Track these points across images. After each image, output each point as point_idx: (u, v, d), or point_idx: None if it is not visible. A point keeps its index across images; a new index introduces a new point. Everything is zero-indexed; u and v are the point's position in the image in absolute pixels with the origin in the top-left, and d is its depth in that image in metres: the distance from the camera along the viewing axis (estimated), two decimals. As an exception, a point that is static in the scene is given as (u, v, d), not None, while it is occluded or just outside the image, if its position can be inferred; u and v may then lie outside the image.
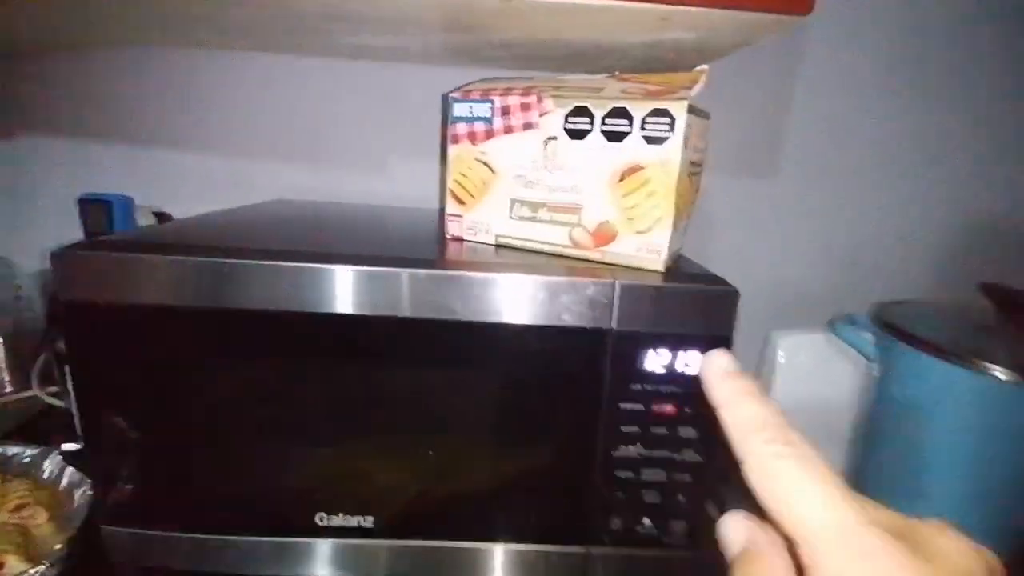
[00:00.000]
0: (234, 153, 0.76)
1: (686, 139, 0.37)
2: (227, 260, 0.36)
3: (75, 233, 0.77)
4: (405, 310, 0.37)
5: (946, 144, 0.75)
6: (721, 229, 0.76)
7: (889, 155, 0.75)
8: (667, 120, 0.37)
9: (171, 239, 0.43)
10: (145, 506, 0.41)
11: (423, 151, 0.75)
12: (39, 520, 0.45)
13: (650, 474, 0.40)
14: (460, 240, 0.47)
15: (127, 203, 0.70)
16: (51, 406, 0.67)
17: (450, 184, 0.46)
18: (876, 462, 0.58)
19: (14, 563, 0.40)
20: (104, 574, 0.43)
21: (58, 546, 0.41)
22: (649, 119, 0.37)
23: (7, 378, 0.69)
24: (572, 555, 0.42)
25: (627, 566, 0.42)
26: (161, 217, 0.77)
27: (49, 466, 0.51)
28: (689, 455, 0.40)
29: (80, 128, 0.77)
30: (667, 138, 0.37)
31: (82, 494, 0.47)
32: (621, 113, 0.38)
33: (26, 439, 0.56)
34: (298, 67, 0.72)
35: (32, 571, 0.39)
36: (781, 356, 0.71)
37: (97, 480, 0.41)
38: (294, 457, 0.40)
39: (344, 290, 0.37)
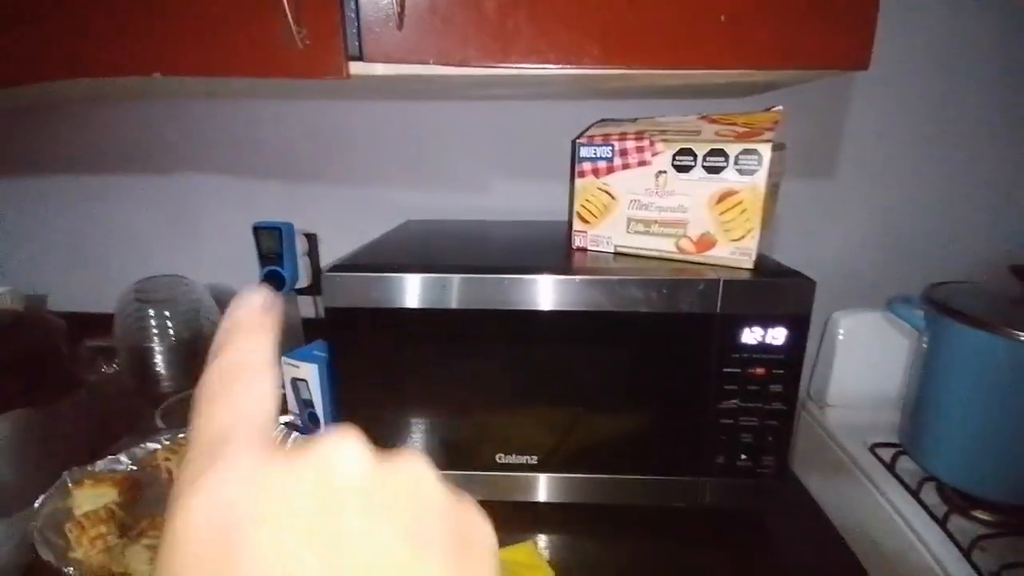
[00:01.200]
0: (365, 183, 0.93)
1: (769, 170, 0.50)
2: (450, 275, 0.51)
3: (237, 252, 0.96)
4: (570, 305, 0.51)
5: (987, 145, 0.84)
6: (790, 224, 0.88)
7: (937, 155, 0.85)
8: (755, 157, 0.50)
9: (386, 259, 0.59)
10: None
11: (520, 173, 0.89)
12: None
13: (746, 421, 0.54)
14: (585, 250, 0.61)
15: (291, 229, 0.88)
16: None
17: (577, 208, 0.60)
18: (928, 422, 0.69)
19: None
20: None
21: None
22: (741, 156, 0.50)
23: (180, 377, 0.87)
24: (687, 483, 0.56)
25: (728, 490, 0.56)
26: (310, 237, 0.94)
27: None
28: (776, 406, 0.53)
29: (238, 168, 0.95)
30: (756, 171, 0.50)
31: None
32: (719, 152, 0.51)
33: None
34: (411, 109, 0.88)
35: None
36: (841, 333, 0.82)
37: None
38: (483, 415, 0.56)
39: (523, 294, 0.51)
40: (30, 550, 0.50)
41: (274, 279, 0.87)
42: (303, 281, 0.93)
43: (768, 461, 0.55)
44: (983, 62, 0.81)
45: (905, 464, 0.72)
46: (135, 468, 0.60)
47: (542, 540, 0.53)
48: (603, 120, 0.64)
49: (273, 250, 0.87)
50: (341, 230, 0.96)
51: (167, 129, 0.93)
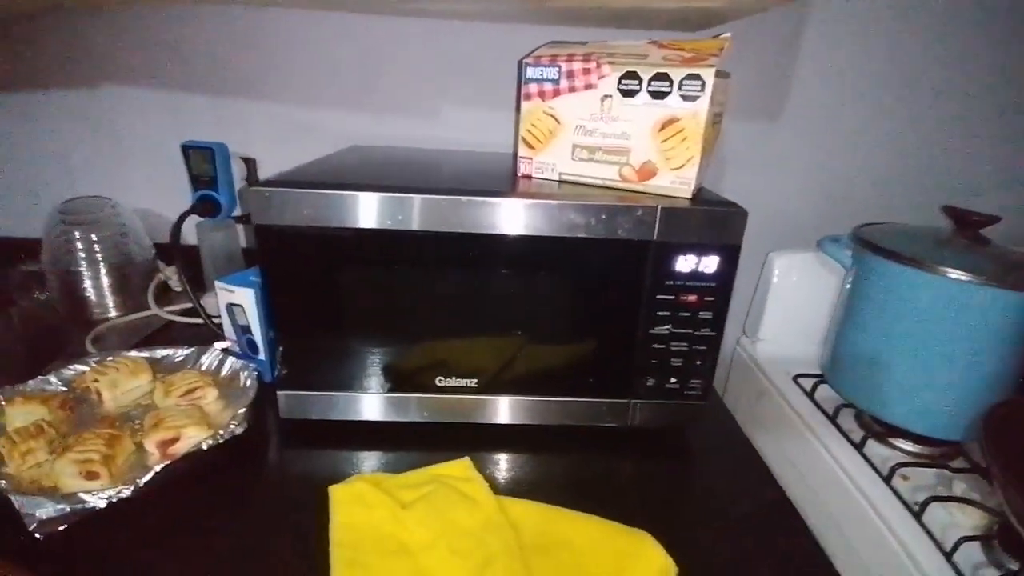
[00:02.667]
0: (308, 103, 0.88)
1: (712, 97, 0.50)
2: (388, 194, 0.50)
3: (167, 174, 0.91)
4: (506, 228, 0.51)
5: (930, 97, 0.86)
6: (731, 165, 0.89)
7: (876, 103, 0.86)
8: (699, 83, 0.49)
9: (327, 177, 0.55)
10: (313, 375, 0.57)
11: (472, 101, 0.86)
12: (209, 399, 0.59)
13: (676, 346, 0.56)
14: (530, 177, 0.60)
15: (225, 149, 0.82)
16: (170, 322, 0.82)
17: (522, 132, 0.59)
18: (848, 352, 0.74)
19: (194, 432, 0.51)
20: (262, 438, 0.58)
21: (230, 418, 0.53)
22: (685, 82, 0.50)
23: (111, 303, 0.84)
24: (618, 404, 0.59)
25: (657, 411, 0.59)
26: (248, 162, 0.89)
27: (207, 359, 0.66)
28: (705, 332, 0.56)
29: (165, 80, 0.87)
30: (698, 97, 0.50)
31: (247, 376, 0.61)
32: (663, 77, 0.50)
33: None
34: (363, 24, 0.82)
35: (206, 437, 0.49)
36: (776, 273, 0.86)
37: (281, 357, 0.56)
38: (422, 338, 0.56)
39: (460, 215, 0.51)
40: None
41: (208, 204, 0.83)
42: (241, 208, 0.89)
43: (695, 384, 0.58)
44: (933, 17, 0.81)
45: (825, 393, 0.77)
46: (64, 389, 0.59)
47: (478, 459, 0.55)
48: (553, 42, 0.61)
49: (206, 173, 0.82)
50: (281, 155, 0.90)
51: (90, 39, 0.84)
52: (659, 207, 0.51)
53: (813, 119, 0.87)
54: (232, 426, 0.51)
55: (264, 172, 0.91)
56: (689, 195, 0.54)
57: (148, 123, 0.90)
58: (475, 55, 0.84)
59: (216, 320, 0.73)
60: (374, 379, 0.57)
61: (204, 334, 0.75)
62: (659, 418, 0.59)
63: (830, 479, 0.66)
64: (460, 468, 0.52)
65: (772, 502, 0.55)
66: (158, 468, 0.45)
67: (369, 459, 0.56)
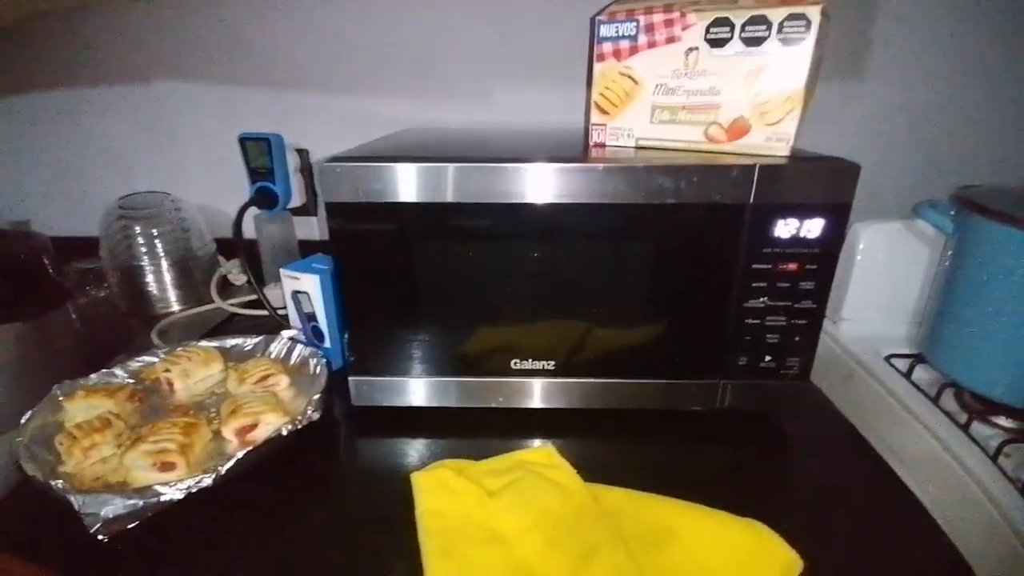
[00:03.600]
0: (359, 92, 0.86)
1: (817, 39, 0.45)
2: (462, 164, 0.47)
3: (222, 169, 0.90)
4: (587, 197, 0.47)
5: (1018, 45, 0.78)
6: (813, 127, 0.82)
7: (968, 58, 0.79)
8: (803, 23, 0.44)
9: (394, 152, 0.53)
10: (384, 361, 0.54)
11: (524, 80, 0.83)
12: (282, 386, 0.58)
13: (774, 320, 0.51)
14: (603, 146, 0.56)
15: (281, 140, 0.82)
16: (233, 314, 0.82)
17: (595, 97, 0.55)
18: (951, 327, 0.67)
19: (272, 418, 0.49)
20: (336, 425, 0.56)
21: (306, 403, 0.51)
22: (787, 23, 0.45)
23: (173, 297, 0.84)
24: (707, 385, 0.54)
25: (750, 392, 0.54)
26: (301, 153, 0.88)
27: (276, 347, 0.64)
28: (806, 304, 0.51)
29: (218, 74, 0.87)
30: (803, 39, 0.45)
31: (317, 363, 0.59)
32: (760, 20, 0.46)
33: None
34: (412, 7, 0.80)
35: (284, 423, 0.48)
36: (862, 246, 0.79)
37: (351, 343, 0.54)
38: (496, 318, 0.53)
39: (538, 184, 0.47)
40: (18, 470, 0.46)
41: (265, 196, 0.82)
42: (296, 200, 0.88)
43: (792, 362, 0.53)
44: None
45: (921, 374, 0.71)
46: (132, 381, 0.58)
47: (560, 444, 0.51)
48: (622, -1, 0.57)
49: (262, 164, 0.82)
50: (334, 145, 0.89)
51: (142, 35, 0.85)
52: (757, 165, 0.46)
53: (898, 74, 0.80)
54: (310, 412, 0.49)
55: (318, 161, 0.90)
56: (787, 153, 0.49)
57: (202, 117, 0.90)
58: (526, 31, 0.80)
59: (280, 312, 0.72)
60: (447, 364, 0.55)
61: (268, 325, 0.74)
62: (752, 400, 0.55)
63: (935, 461, 0.60)
64: (544, 455, 0.49)
65: (884, 487, 0.49)
66: (240, 455, 0.43)
67: (444, 446, 0.53)
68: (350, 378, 0.56)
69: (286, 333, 0.66)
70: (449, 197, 0.48)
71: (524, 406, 0.56)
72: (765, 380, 0.54)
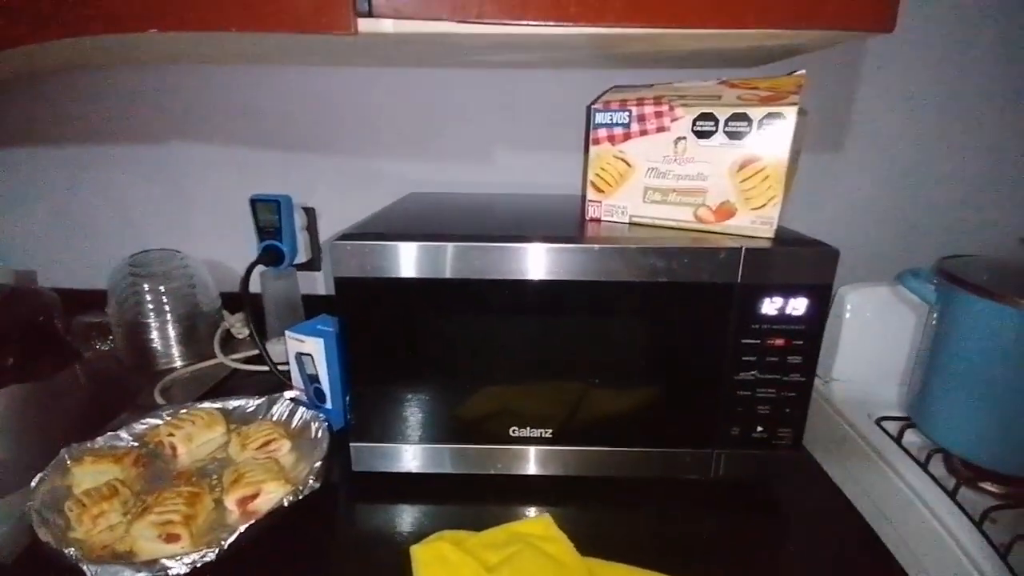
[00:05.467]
0: (365, 154, 0.90)
1: (794, 134, 0.48)
2: (464, 244, 0.50)
3: (229, 226, 0.93)
4: (583, 274, 0.50)
5: (997, 117, 0.83)
6: (796, 196, 0.86)
7: (947, 127, 0.84)
8: (781, 122, 0.48)
9: (398, 228, 0.56)
10: (385, 427, 0.56)
11: (526, 145, 0.87)
12: (284, 451, 0.58)
13: (763, 392, 0.53)
14: (598, 221, 0.59)
15: (290, 201, 0.85)
16: (235, 370, 0.83)
17: (591, 177, 0.58)
18: (936, 393, 0.69)
19: (273, 487, 0.50)
20: (335, 491, 0.56)
21: (307, 471, 0.52)
22: (766, 120, 0.49)
23: (176, 353, 0.85)
24: (701, 455, 0.56)
25: (743, 462, 0.56)
26: (308, 211, 0.92)
27: (278, 409, 0.65)
28: (795, 377, 0.53)
29: (231, 136, 0.91)
30: (781, 136, 0.49)
31: (318, 427, 0.60)
32: (741, 117, 0.49)
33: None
34: (420, 75, 0.85)
35: (286, 494, 0.48)
36: (848, 309, 0.82)
37: (355, 406, 0.55)
38: (496, 387, 0.55)
39: (537, 262, 0.50)
40: (28, 532, 0.48)
41: (272, 254, 0.85)
42: (301, 256, 0.91)
43: (784, 433, 0.55)
44: (1001, 34, 0.79)
45: (912, 437, 0.72)
46: (136, 444, 0.59)
47: (557, 513, 0.52)
48: (617, 87, 0.62)
49: (271, 224, 0.85)
50: (340, 204, 0.93)
51: (159, 97, 0.89)
52: (743, 248, 0.49)
53: (878, 145, 0.85)
54: (311, 482, 0.50)
55: (324, 220, 0.94)
56: (771, 235, 0.52)
57: (212, 176, 0.93)
58: (527, 100, 0.85)
59: (281, 367, 0.74)
60: (447, 431, 0.56)
61: (269, 380, 0.75)
62: (745, 469, 0.56)
63: (923, 527, 0.61)
64: (541, 526, 0.50)
65: (877, 561, 0.50)
66: (243, 528, 0.44)
67: (443, 513, 0.54)
68: (351, 444, 0.57)
69: (288, 394, 0.67)
70: (448, 273, 0.50)
71: (522, 472, 0.57)
72: (758, 450, 0.55)
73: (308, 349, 0.65)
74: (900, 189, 0.87)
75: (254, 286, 0.88)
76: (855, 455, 0.75)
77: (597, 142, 0.57)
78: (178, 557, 0.41)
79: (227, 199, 0.93)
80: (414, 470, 0.57)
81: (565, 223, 0.61)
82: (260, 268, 0.85)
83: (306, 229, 0.92)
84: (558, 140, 0.87)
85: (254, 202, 0.85)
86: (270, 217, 0.84)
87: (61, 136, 0.93)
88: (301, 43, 0.57)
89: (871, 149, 0.85)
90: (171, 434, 0.58)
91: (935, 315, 0.69)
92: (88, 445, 0.57)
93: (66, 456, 0.55)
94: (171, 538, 0.45)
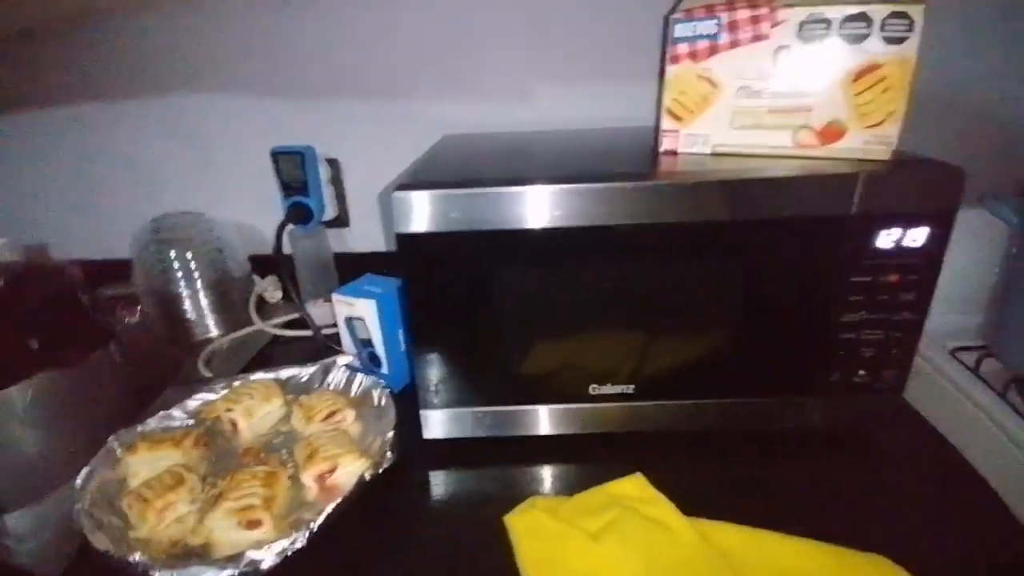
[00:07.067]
0: (388, 97, 0.81)
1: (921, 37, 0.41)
2: (542, 186, 0.44)
3: (251, 183, 0.87)
4: (678, 215, 0.44)
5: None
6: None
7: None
8: (906, 22, 0.41)
9: (454, 176, 0.49)
10: (456, 391, 0.52)
11: (565, 75, 0.78)
12: (349, 420, 0.55)
13: (870, 334, 0.48)
14: (674, 153, 0.53)
15: (314, 153, 0.78)
16: (274, 337, 0.79)
17: (667, 103, 0.51)
18: (1017, 316, 0.65)
19: (349, 461, 0.47)
20: (409, 460, 0.51)
21: (379, 442, 0.48)
22: (889, 21, 0.41)
23: (211, 322, 0.81)
24: (797, 403, 0.52)
25: (842, 410, 0.52)
26: (332, 164, 0.85)
27: (334, 377, 0.61)
28: (905, 315, 0.48)
29: (247, 85, 0.83)
30: (906, 38, 0.41)
31: (380, 394, 0.56)
32: (860, 17, 0.42)
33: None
34: (444, 5, 0.75)
35: (366, 467, 0.45)
36: (923, 235, 0.76)
37: (423, 372, 0.51)
38: (574, 343, 0.50)
39: (619, 203, 0.44)
40: (74, 537, 0.42)
41: (300, 211, 0.79)
42: (329, 212, 0.85)
43: (888, 376, 0.50)
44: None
45: (990, 366, 0.68)
46: (192, 423, 0.55)
47: (646, 472, 0.49)
48: (693, -8, 0.53)
49: (296, 179, 0.78)
50: (364, 154, 0.86)
51: (171, 44, 0.80)
52: (860, 173, 0.43)
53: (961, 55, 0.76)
54: (388, 454, 0.47)
55: (349, 171, 0.86)
56: (887, 156, 0.45)
57: (230, 129, 0.85)
58: (566, 22, 0.76)
59: (324, 332, 0.70)
60: (521, 392, 0.52)
61: (312, 346, 0.71)
62: (844, 417, 0.52)
63: (1003, 454, 0.58)
64: (636, 486, 0.47)
65: (988, 505, 0.47)
66: (330, 508, 0.40)
67: (524, 477, 0.51)
68: (421, 411, 0.53)
69: (342, 360, 0.63)
70: (528, 222, 0.45)
71: (604, 431, 0.53)
72: (858, 396, 0.51)
73: (359, 312, 0.60)
74: (986, 108, 0.78)
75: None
76: (930, 388, 0.72)
77: (676, 60, 0.49)
78: (265, 547, 0.38)
79: (247, 153, 0.85)
80: (489, 434, 0.54)
81: (638, 159, 0.54)
82: (288, 227, 0.79)
83: (331, 183, 0.85)
84: (594, 68, 0.78)
85: (276, 155, 0.78)
86: (294, 171, 0.78)
87: (66, 95, 0.85)
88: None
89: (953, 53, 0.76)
90: (229, 409, 0.54)
91: (1017, 238, 0.64)
92: (139, 429, 0.53)
93: (115, 444, 0.50)
94: (252, 524, 0.41)
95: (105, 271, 0.86)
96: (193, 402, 0.57)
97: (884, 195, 0.43)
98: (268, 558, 0.38)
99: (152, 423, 0.54)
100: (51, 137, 0.88)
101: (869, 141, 0.45)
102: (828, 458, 0.52)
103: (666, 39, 0.50)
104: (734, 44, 0.47)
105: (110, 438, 0.51)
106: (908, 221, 0.44)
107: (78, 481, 0.46)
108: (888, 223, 0.44)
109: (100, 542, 0.40)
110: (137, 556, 0.38)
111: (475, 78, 0.80)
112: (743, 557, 0.40)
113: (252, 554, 0.37)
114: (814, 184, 0.43)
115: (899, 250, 0.45)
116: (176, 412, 0.56)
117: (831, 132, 0.46)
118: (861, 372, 0.50)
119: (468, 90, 0.80)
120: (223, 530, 0.42)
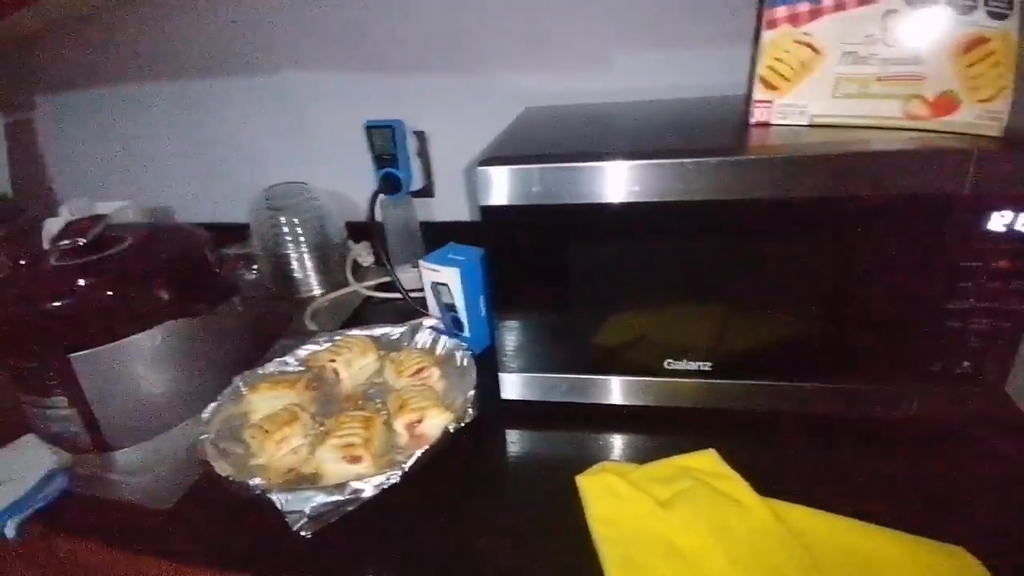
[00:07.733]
0: (478, 70, 0.84)
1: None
2: (626, 162, 0.45)
3: (344, 155, 0.93)
4: (772, 190, 0.43)
5: None
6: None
7: None
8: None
9: (537, 149, 0.51)
10: (534, 357, 0.55)
11: (645, 42, 0.76)
12: (434, 378, 0.59)
13: (977, 323, 0.45)
14: (767, 125, 0.51)
15: (403, 126, 0.83)
16: (367, 297, 0.86)
17: (761, 71, 0.49)
18: None
19: (435, 413, 0.51)
20: (487, 419, 0.54)
21: (461, 399, 0.52)
22: (1001, -10, 0.37)
23: (315, 282, 0.89)
24: (891, 391, 0.50)
25: (941, 400, 0.49)
26: (418, 136, 0.89)
27: (421, 337, 0.66)
28: (1016, 304, 0.44)
29: (339, 62, 0.89)
30: (1007, 14, 0.37)
31: (462, 356, 0.60)
32: (978, -19, 0.38)
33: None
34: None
35: (451, 420, 0.49)
36: None
37: (503, 337, 0.55)
38: (649, 318, 0.51)
39: (714, 179, 0.44)
40: (191, 468, 0.50)
41: (390, 181, 0.84)
42: (416, 183, 0.90)
43: (992, 367, 0.47)
44: None
45: None
46: (303, 369, 0.63)
47: (719, 449, 0.49)
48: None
49: (387, 150, 0.84)
50: (449, 127, 0.89)
51: (266, 22, 0.88)
52: (974, 149, 0.40)
53: None
54: (470, 410, 0.51)
55: (435, 143, 0.90)
56: (999, 132, 0.42)
57: (324, 104, 0.92)
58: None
59: (412, 295, 0.75)
60: (597, 361, 0.54)
61: (400, 308, 0.77)
62: (943, 407, 0.49)
63: None
64: (708, 461, 0.48)
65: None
66: (419, 453, 0.46)
67: (597, 443, 0.54)
68: (501, 374, 0.57)
69: (427, 322, 0.68)
70: (607, 196, 0.46)
71: (677, 405, 0.54)
72: (959, 386, 0.48)
73: (444, 279, 0.65)
74: None
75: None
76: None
77: (773, 24, 0.47)
78: (367, 479, 0.43)
79: (340, 128, 0.92)
80: (563, 399, 0.57)
81: (730, 131, 0.53)
82: (379, 197, 0.85)
83: (418, 154, 0.90)
84: (674, 33, 0.75)
85: (369, 128, 0.83)
86: (385, 143, 0.83)
87: (176, 72, 0.96)
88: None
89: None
90: (332, 360, 0.61)
91: None
92: (260, 372, 0.61)
93: (240, 384, 0.58)
94: (354, 459, 0.48)
95: (221, 232, 0.98)
96: (303, 351, 0.65)
97: (998, 174, 0.40)
98: (368, 489, 0.43)
99: (270, 367, 0.62)
100: (162, 110, 1.00)
101: (981, 116, 0.41)
102: (916, 448, 0.49)
103: (762, 2, 0.47)
104: (839, 7, 0.44)
105: (235, 378, 0.59)
106: (1022, 203, 0.40)
107: (205, 414, 0.54)
108: (1001, 204, 0.41)
109: (223, 469, 0.47)
110: (257, 480, 0.45)
111: (556, 48, 0.80)
112: (816, 538, 0.40)
113: (355, 484, 0.43)
114: (929, 159, 0.40)
115: (1011, 234, 0.41)
116: (289, 359, 0.64)
117: (944, 103, 0.43)
118: (965, 362, 0.47)
119: (548, 61, 0.81)
120: (330, 462, 0.48)
